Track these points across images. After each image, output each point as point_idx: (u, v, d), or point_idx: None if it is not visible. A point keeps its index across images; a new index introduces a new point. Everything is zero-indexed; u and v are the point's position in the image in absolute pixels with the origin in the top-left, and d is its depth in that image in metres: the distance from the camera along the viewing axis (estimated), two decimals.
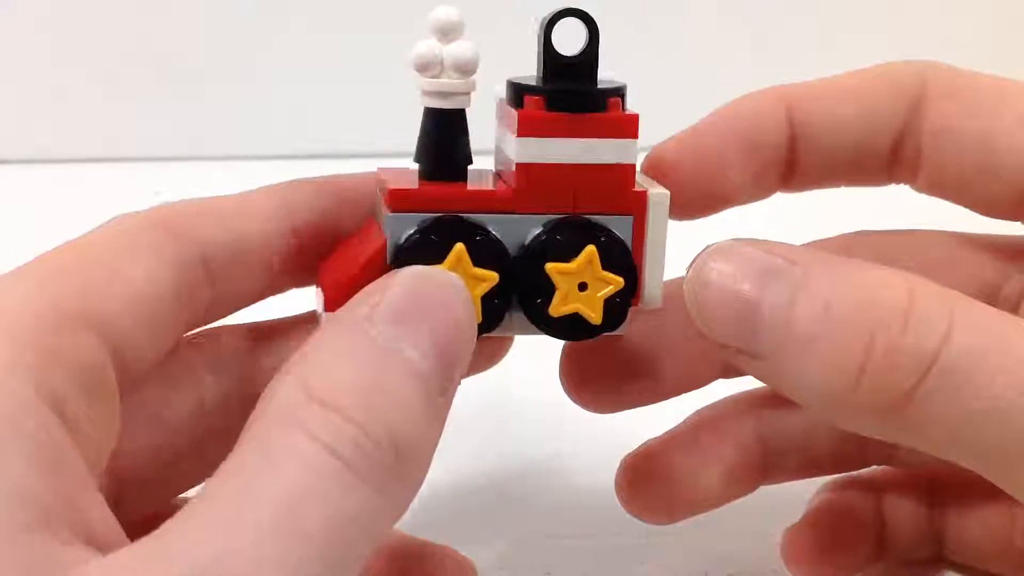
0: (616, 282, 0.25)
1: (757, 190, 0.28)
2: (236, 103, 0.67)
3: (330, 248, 0.26)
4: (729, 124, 0.28)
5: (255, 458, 0.19)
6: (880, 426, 0.22)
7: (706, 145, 0.27)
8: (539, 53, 0.24)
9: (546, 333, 0.25)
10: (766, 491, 0.32)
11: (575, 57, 0.24)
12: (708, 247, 0.24)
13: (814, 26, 0.71)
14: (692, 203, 0.28)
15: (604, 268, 0.25)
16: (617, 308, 0.25)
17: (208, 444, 0.26)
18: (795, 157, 0.28)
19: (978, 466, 0.22)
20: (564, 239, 0.24)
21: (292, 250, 0.26)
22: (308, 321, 0.27)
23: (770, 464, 0.30)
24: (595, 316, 0.25)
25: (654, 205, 0.25)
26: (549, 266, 0.24)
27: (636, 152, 0.25)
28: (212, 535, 0.17)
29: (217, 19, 0.67)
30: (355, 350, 0.20)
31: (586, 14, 0.24)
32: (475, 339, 0.22)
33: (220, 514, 0.18)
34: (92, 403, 0.20)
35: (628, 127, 0.24)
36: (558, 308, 0.25)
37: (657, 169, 0.27)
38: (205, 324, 0.25)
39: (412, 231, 0.24)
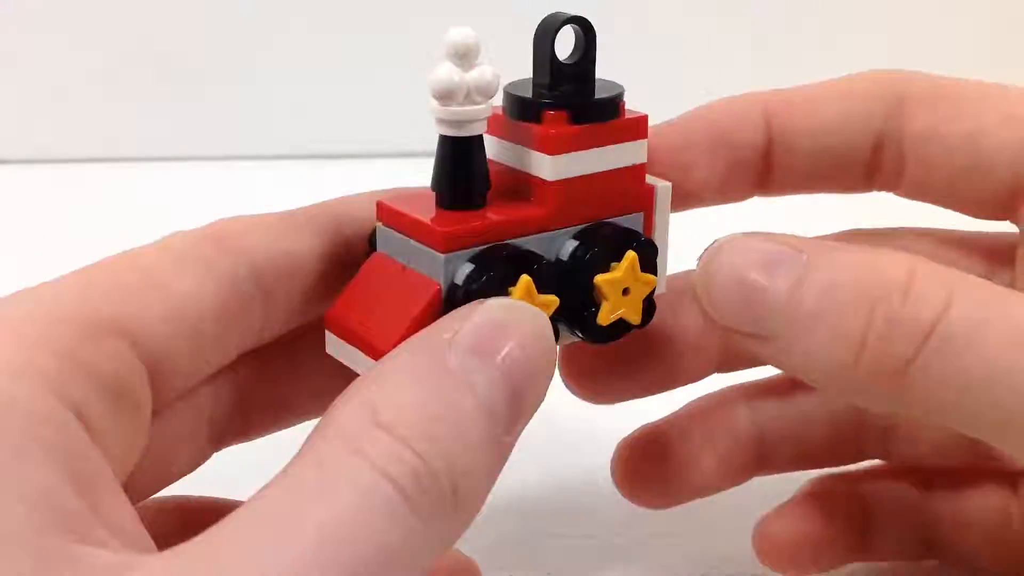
0: (653, 282, 0.25)
1: (727, 191, 0.28)
2: (236, 103, 0.67)
3: (344, 294, 0.24)
4: (700, 123, 0.28)
5: (309, 478, 0.19)
6: (884, 396, 0.23)
7: (673, 141, 0.27)
8: (540, 61, 0.24)
9: (588, 340, 0.25)
10: (765, 493, 0.32)
11: (576, 64, 0.24)
12: (715, 241, 0.24)
13: (813, 27, 0.70)
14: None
15: (641, 270, 0.25)
16: (650, 305, 0.25)
17: (195, 447, 0.26)
18: (771, 161, 0.28)
19: (980, 432, 0.22)
20: (604, 249, 0.24)
21: (338, 269, 0.25)
22: (307, 336, 0.27)
23: (764, 454, 0.31)
24: (637, 318, 0.25)
25: (660, 198, 0.26)
26: (599, 278, 0.24)
27: (646, 151, 0.25)
28: (247, 554, 0.17)
29: (217, 19, 0.67)
30: (429, 377, 0.20)
31: (586, 20, 0.24)
32: (551, 379, 0.21)
33: (261, 532, 0.18)
34: (117, 411, 0.20)
35: (641, 128, 0.25)
36: (607, 317, 0.25)
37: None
38: (259, 344, 0.25)
39: (470, 269, 0.23)
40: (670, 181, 0.26)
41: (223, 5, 0.66)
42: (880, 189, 0.29)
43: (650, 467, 0.30)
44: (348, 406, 0.20)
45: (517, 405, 0.20)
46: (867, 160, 0.28)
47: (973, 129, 0.27)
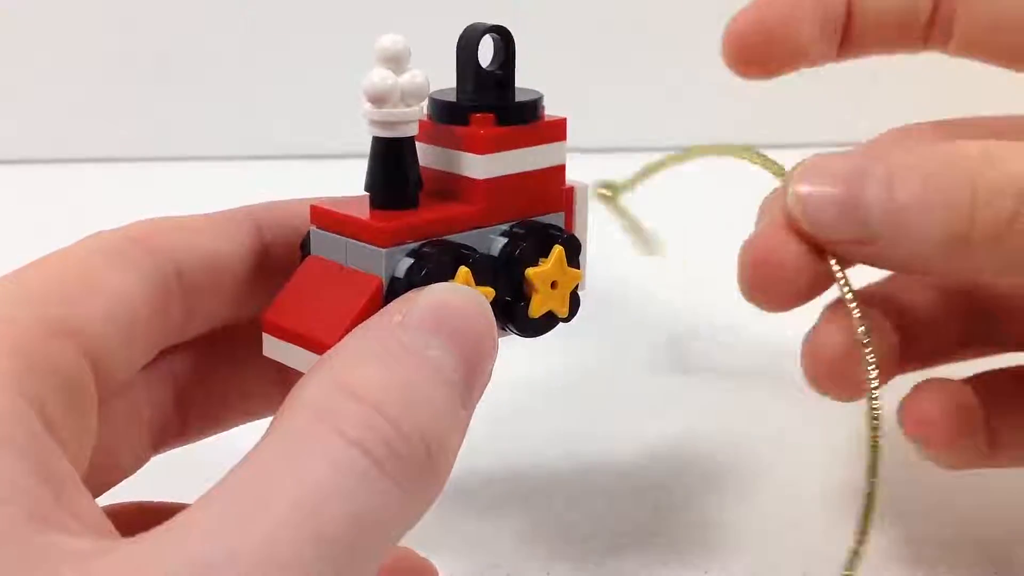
0: (578, 276, 0.26)
1: (823, 48, 0.32)
2: (235, 103, 0.67)
3: (281, 296, 0.25)
4: None
5: (279, 452, 0.19)
6: (997, 259, 0.25)
7: (784, 5, 0.32)
8: (464, 68, 0.25)
9: (518, 334, 0.26)
10: (765, 494, 0.33)
11: (499, 71, 0.26)
12: (797, 166, 0.27)
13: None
14: (774, 56, 0.32)
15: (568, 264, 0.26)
16: (576, 299, 0.27)
17: (135, 448, 0.26)
18: (850, 23, 0.32)
19: None
20: (534, 244, 0.25)
21: (263, 270, 0.26)
22: (241, 337, 0.27)
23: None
24: (564, 311, 0.26)
25: (579, 197, 0.27)
26: (530, 271, 0.25)
27: (566, 152, 0.27)
28: (225, 531, 0.17)
29: (217, 19, 0.66)
30: (386, 353, 0.21)
31: (506, 30, 0.25)
32: (495, 357, 0.22)
33: (236, 509, 0.18)
34: (72, 408, 0.21)
35: (561, 130, 0.26)
36: (537, 309, 0.26)
37: (744, 34, 0.32)
38: (180, 340, 0.25)
39: (411, 262, 0.23)
40: (787, 39, 0.31)
41: (224, 5, 0.66)
42: (933, 47, 0.33)
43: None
44: (312, 382, 0.20)
45: (471, 377, 0.21)
46: (927, 18, 0.31)
47: None
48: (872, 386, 0.27)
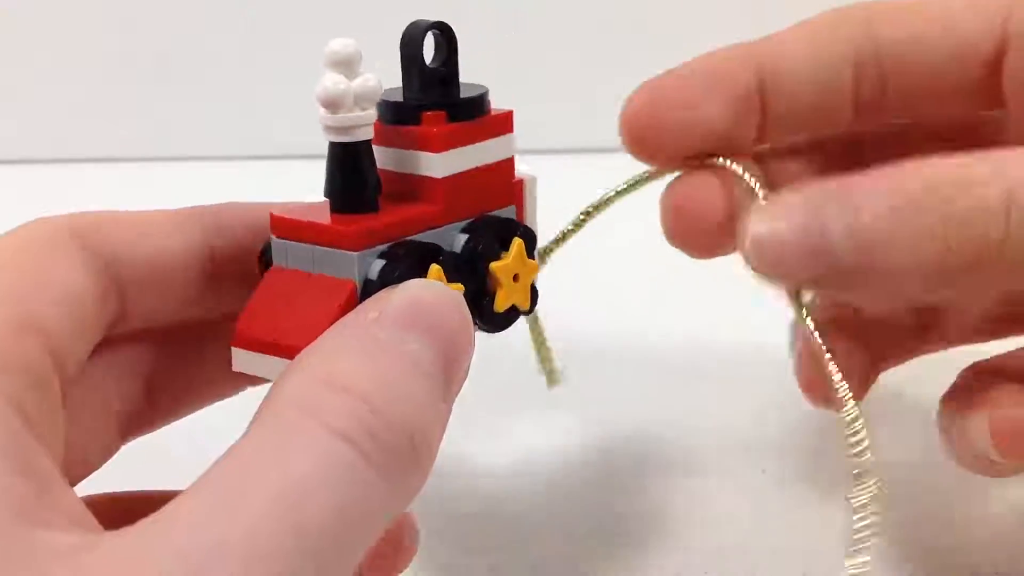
0: (536, 267, 0.27)
1: (738, 137, 0.29)
2: (235, 103, 0.68)
3: (248, 309, 0.24)
4: (701, 65, 0.29)
5: (263, 444, 0.19)
6: (978, 280, 0.25)
7: (680, 82, 0.29)
8: (409, 67, 0.25)
9: (484, 329, 0.26)
10: (762, 496, 0.33)
11: (443, 68, 0.26)
12: (751, 208, 0.27)
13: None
14: (670, 142, 0.29)
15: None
16: (535, 291, 0.27)
17: (104, 438, 0.26)
18: (765, 104, 0.29)
19: None
20: (493, 239, 0.26)
21: (207, 275, 0.26)
22: (209, 325, 0.27)
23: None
24: (526, 303, 0.27)
25: (528, 189, 0.27)
26: (494, 265, 0.26)
27: (515, 144, 0.27)
28: (213, 522, 0.18)
29: (217, 19, 0.67)
30: (365, 348, 0.21)
31: (447, 25, 0.26)
32: (472, 351, 0.22)
33: (219, 502, 0.18)
34: (44, 405, 0.21)
35: (509, 123, 0.27)
36: (502, 303, 0.26)
37: (637, 116, 0.29)
38: (119, 332, 0.25)
39: (383, 264, 0.23)
40: (681, 119, 0.28)
41: (223, 5, 0.66)
42: (867, 122, 0.30)
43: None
44: (293, 378, 0.20)
45: (449, 371, 0.21)
46: (851, 87, 0.29)
47: (943, 16, 0.29)
48: (851, 418, 0.26)
